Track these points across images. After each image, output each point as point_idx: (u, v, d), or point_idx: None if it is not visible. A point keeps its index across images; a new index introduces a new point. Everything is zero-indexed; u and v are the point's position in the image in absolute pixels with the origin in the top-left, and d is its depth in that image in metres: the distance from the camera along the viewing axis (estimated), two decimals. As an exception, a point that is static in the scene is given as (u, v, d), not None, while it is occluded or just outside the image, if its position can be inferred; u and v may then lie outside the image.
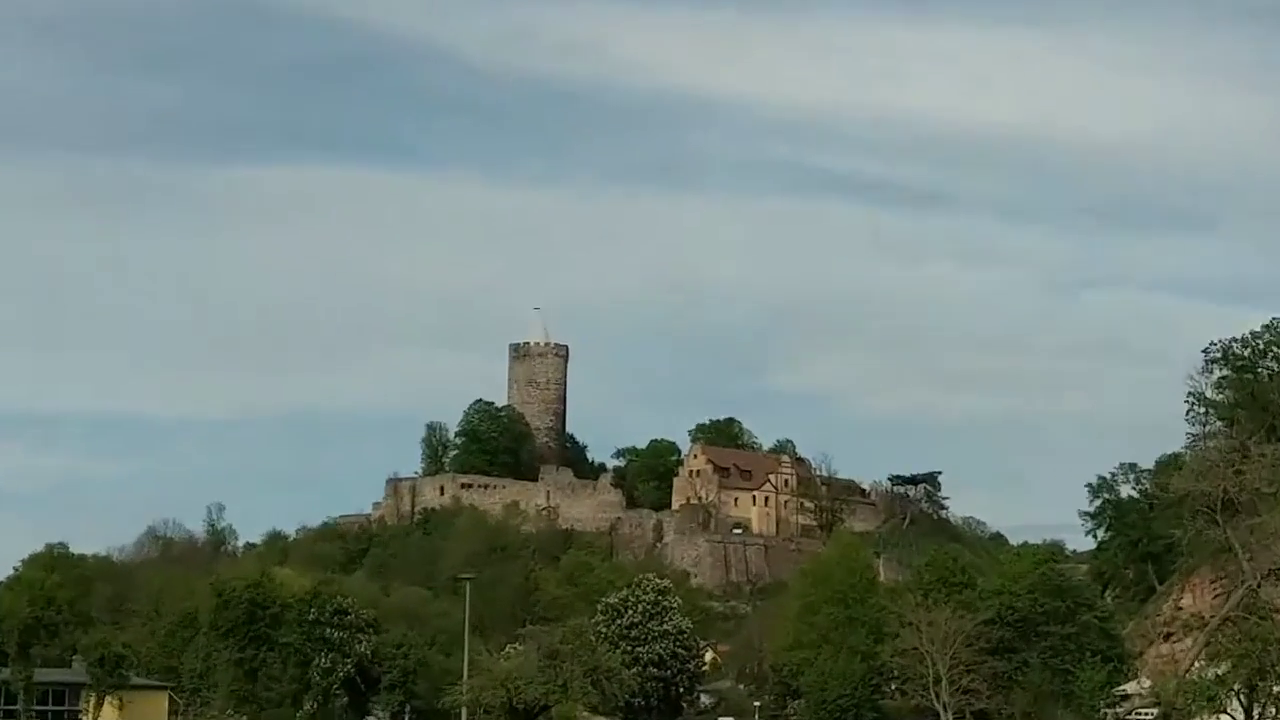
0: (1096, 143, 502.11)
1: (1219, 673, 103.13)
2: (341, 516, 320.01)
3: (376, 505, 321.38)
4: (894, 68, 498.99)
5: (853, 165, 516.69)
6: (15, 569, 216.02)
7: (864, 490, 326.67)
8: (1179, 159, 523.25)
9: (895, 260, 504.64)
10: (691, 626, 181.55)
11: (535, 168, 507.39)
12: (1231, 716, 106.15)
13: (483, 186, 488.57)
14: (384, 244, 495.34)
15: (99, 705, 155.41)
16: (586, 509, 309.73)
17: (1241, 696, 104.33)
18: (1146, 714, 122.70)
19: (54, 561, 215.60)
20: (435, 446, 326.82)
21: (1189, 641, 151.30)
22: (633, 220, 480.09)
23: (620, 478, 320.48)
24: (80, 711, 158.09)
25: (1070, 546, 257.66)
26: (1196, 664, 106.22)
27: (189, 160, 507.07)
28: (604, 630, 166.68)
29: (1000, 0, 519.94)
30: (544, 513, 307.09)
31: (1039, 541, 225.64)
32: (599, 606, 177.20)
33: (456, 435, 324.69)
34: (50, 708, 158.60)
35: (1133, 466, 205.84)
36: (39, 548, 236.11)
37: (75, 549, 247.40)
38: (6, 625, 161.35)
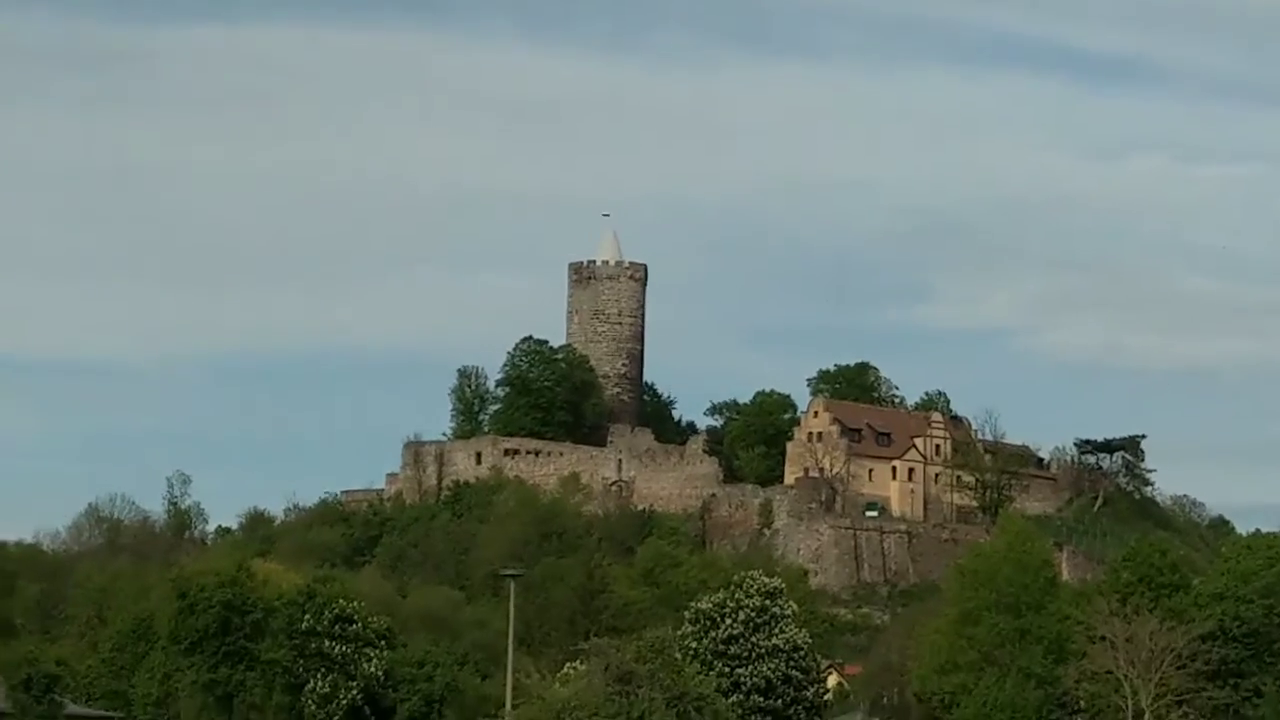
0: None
1: None
2: (345, 493, 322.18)
3: (391, 478, 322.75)
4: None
5: (1032, 25, 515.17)
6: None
7: (1041, 460, 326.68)
8: None
9: (1090, 153, 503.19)
10: (810, 641, 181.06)
11: (600, 28, 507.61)
12: None
13: (531, 53, 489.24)
14: (400, 131, 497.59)
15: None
16: (671, 484, 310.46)
17: None
18: None
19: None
20: (469, 400, 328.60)
21: None
22: (733, 98, 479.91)
23: (716, 442, 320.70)
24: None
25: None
26: None
27: (133, 17, 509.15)
28: (693, 645, 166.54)
29: None
30: (614, 488, 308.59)
31: (1276, 529, 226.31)
32: (687, 614, 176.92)
33: (498, 385, 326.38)
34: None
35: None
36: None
37: None
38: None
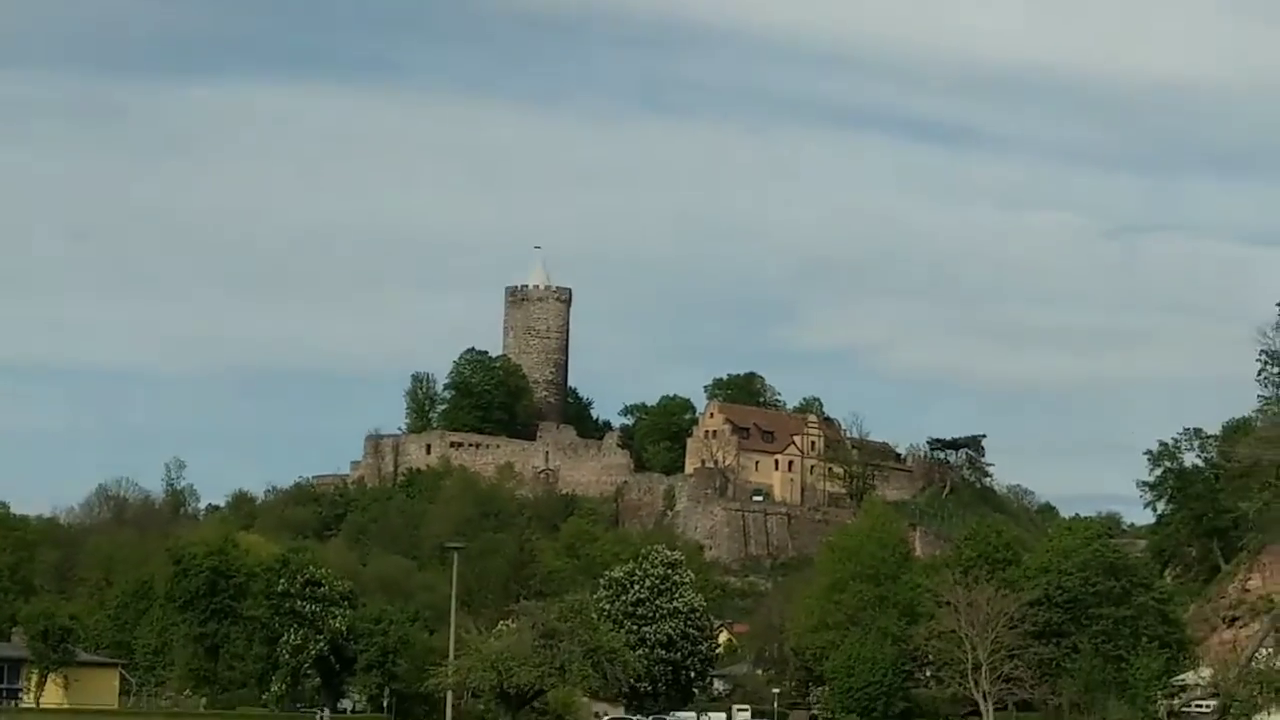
0: (1158, 79, 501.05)
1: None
2: (316, 477, 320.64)
3: (355, 465, 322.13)
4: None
5: (887, 99, 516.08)
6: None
7: (899, 455, 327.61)
8: (1251, 97, 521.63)
9: (933, 202, 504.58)
10: (705, 604, 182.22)
11: (528, 91, 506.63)
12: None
13: (471, 109, 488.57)
14: (362, 174, 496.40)
15: (41, 683, 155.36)
16: (589, 472, 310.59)
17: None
18: (1205, 706, 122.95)
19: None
20: (421, 400, 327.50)
21: (1256, 626, 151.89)
22: (642, 153, 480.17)
23: (628, 438, 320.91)
24: (20, 690, 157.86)
25: (1127, 520, 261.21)
26: (1263, 651, 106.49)
27: (139, 77, 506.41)
28: (607, 607, 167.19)
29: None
30: (542, 475, 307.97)
31: (1092, 514, 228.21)
32: (602, 581, 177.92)
33: (445, 388, 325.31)
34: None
35: (1198, 432, 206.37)
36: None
37: (17, 509, 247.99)
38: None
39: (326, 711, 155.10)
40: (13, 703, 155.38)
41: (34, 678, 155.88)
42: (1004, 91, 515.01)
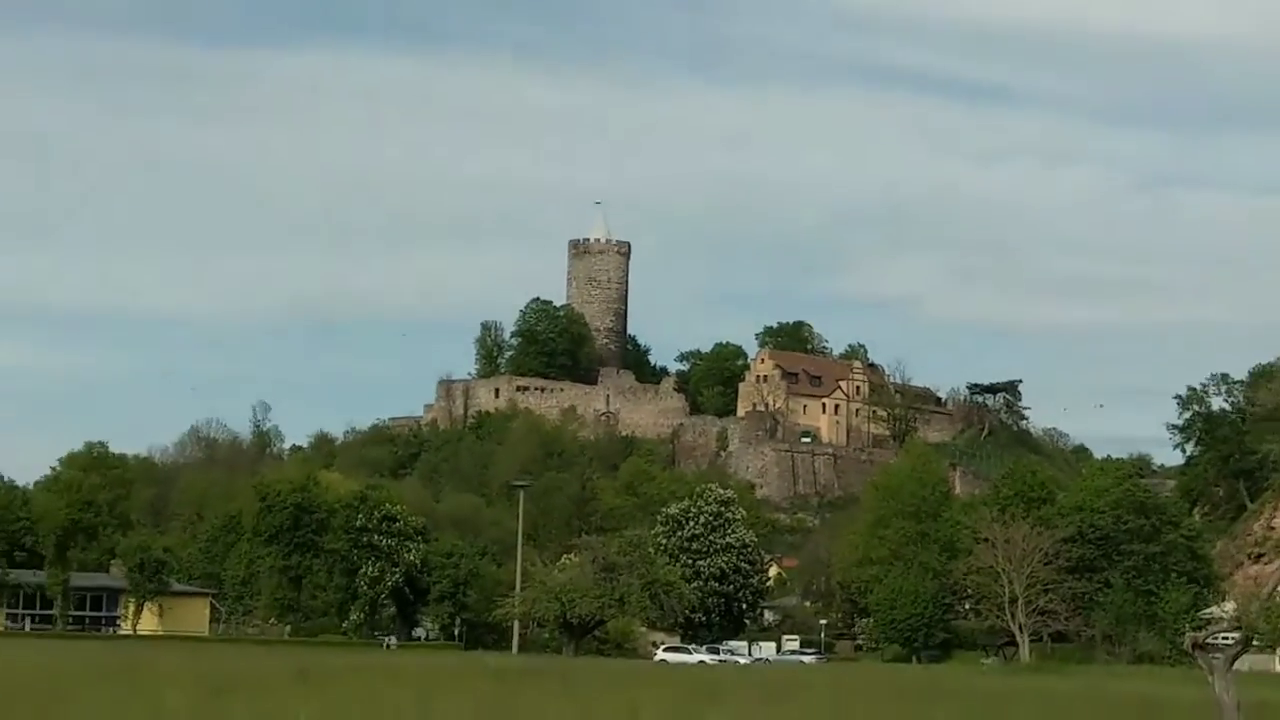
0: (1187, 33, 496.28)
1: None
2: (391, 419, 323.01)
3: (428, 408, 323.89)
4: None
5: (929, 59, 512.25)
6: (53, 469, 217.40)
7: (939, 399, 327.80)
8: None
9: (974, 159, 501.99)
10: (756, 540, 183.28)
11: (580, 54, 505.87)
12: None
13: (532, 75, 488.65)
14: (435, 135, 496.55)
15: (138, 611, 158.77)
16: (647, 415, 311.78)
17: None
18: (1228, 638, 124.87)
19: (93, 462, 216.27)
20: (490, 347, 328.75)
21: (1279, 562, 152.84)
22: (697, 112, 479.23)
23: (683, 382, 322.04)
24: (119, 617, 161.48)
25: (1157, 461, 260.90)
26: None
27: (213, 39, 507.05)
28: (663, 542, 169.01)
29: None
30: (603, 418, 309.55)
31: (1124, 455, 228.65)
32: (659, 517, 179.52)
33: (512, 335, 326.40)
34: (88, 613, 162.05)
35: (1225, 377, 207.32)
36: (78, 447, 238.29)
37: (115, 449, 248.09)
38: (43, 527, 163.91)
39: (393, 639, 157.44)
40: (112, 629, 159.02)
41: (131, 606, 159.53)
42: (1035, 48, 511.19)
